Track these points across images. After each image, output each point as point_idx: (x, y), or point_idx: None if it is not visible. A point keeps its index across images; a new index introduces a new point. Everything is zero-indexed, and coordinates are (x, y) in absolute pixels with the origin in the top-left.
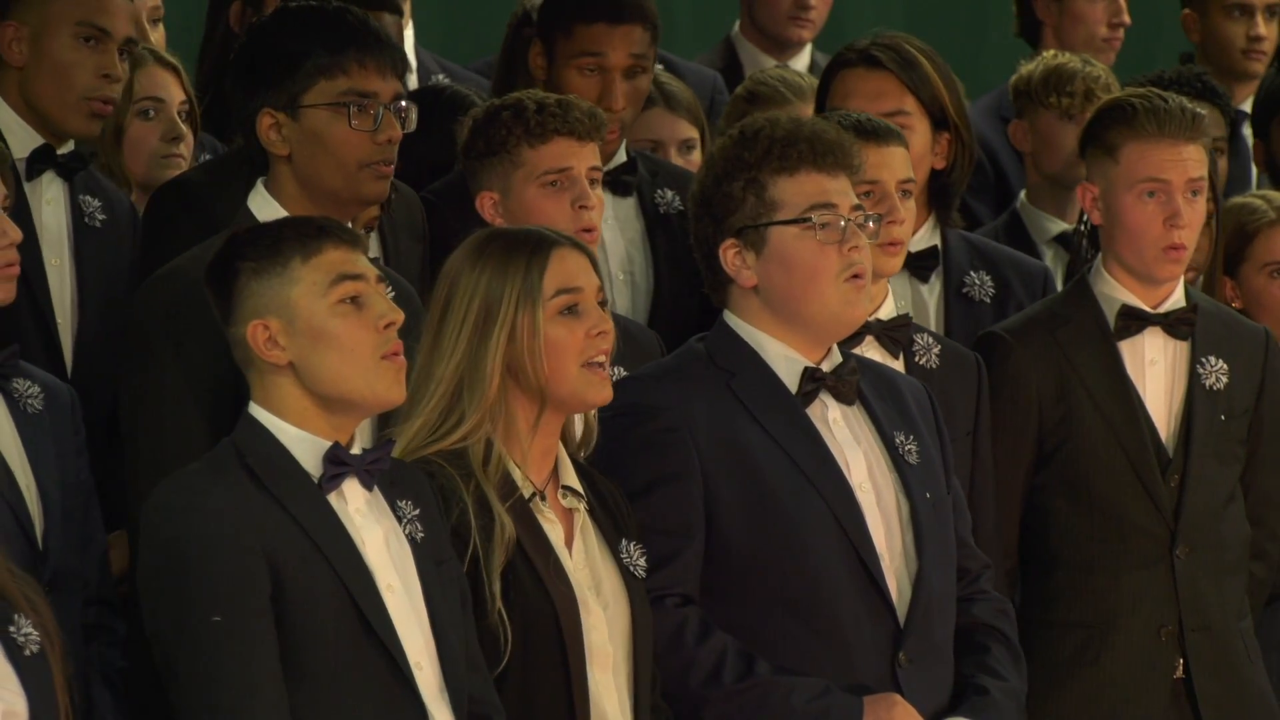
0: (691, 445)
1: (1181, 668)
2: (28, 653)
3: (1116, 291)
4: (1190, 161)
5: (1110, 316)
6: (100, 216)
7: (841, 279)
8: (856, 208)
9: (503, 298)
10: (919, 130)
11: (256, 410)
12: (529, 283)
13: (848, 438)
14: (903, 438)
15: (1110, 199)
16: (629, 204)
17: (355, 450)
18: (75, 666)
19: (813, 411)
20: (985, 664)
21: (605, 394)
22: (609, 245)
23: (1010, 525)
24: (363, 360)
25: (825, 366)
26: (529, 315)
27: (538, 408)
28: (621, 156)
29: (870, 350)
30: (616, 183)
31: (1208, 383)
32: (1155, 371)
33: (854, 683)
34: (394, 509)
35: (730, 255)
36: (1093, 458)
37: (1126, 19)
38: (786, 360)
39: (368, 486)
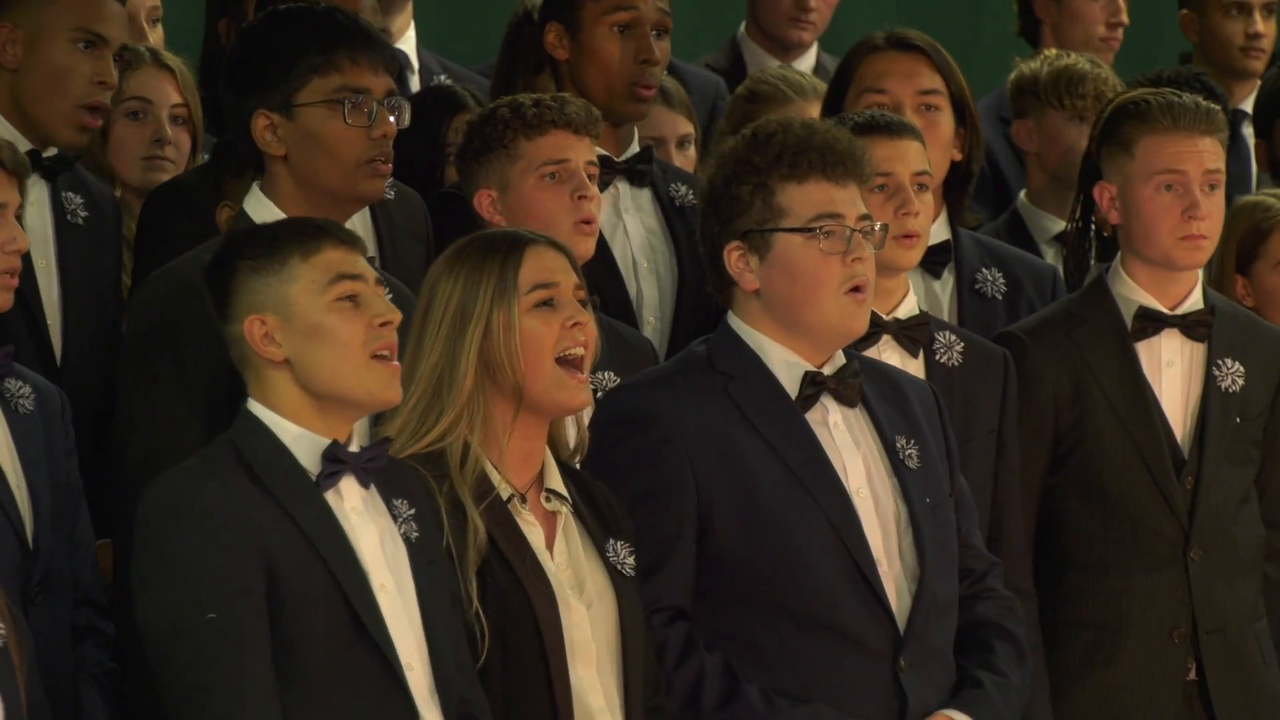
0: (684, 455)
1: (1194, 670)
2: None
3: (1134, 293)
4: (1206, 154)
5: (1128, 317)
6: (83, 213)
7: (842, 291)
8: (864, 218)
9: (478, 296)
10: (947, 114)
11: (254, 406)
12: (504, 279)
13: (847, 442)
14: (904, 441)
15: (1127, 195)
16: (646, 195)
17: (353, 448)
18: (64, 668)
19: (813, 416)
20: (985, 660)
21: (580, 398)
22: (631, 234)
23: (1026, 525)
24: (355, 356)
25: (827, 369)
26: (504, 310)
27: (514, 408)
28: (635, 146)
29: (888, 349)
30: (633, 173)
31: (1223, 385)
32: (1172, 373)
33: (855, 689)
34: (390, 508)
35: (734, 258)
36: (1107, 459)
37: (1124, 18)
38: (787, 364)
39: (364, 484)
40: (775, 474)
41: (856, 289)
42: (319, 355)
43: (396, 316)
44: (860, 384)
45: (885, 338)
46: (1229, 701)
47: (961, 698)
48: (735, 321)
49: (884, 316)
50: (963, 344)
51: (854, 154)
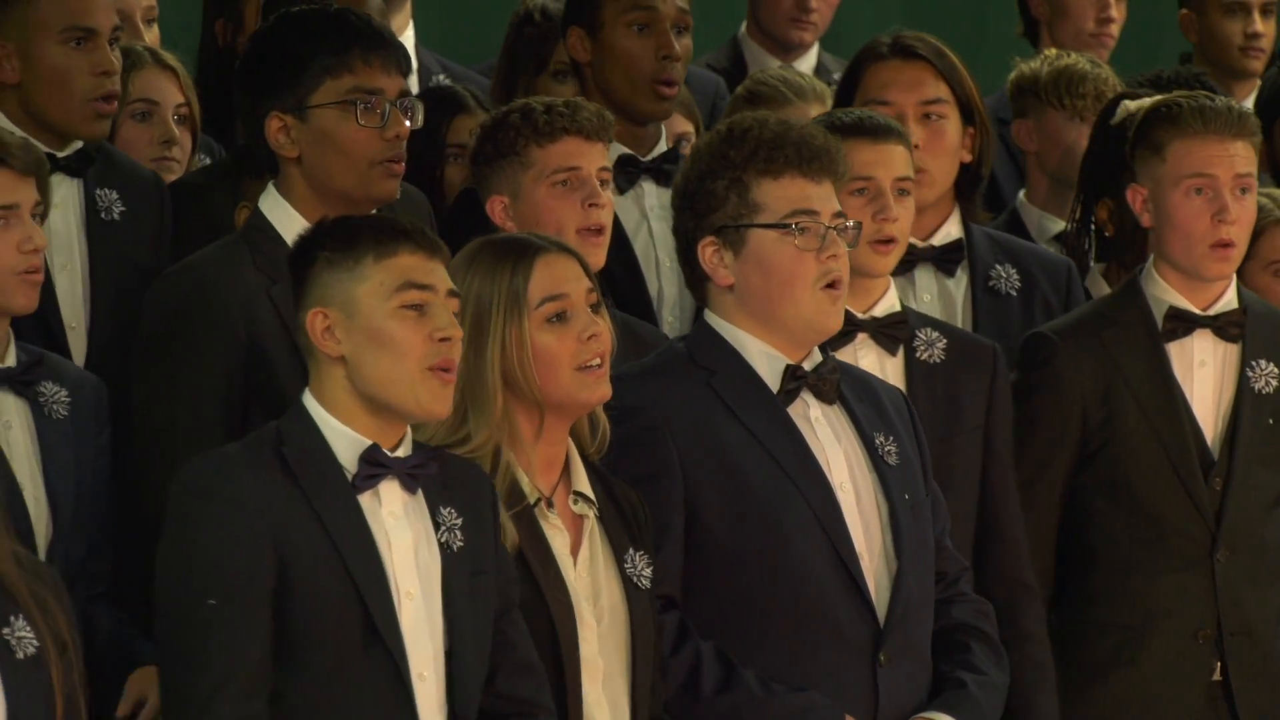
0: (671, 443)
1: (1219, 671)
2: (20, 655)
3: (1166, 293)
4: (1237, 158)
5: (1159, 318)
6: (120, 208)
7: (817, 287)
8: (838, 215)
9: (491, 309)
10: (953, 120)
11: (308, 400)
12: (514, 293)
13: (829, 436)
14: (882, 438)
15: (1159, 198)
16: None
17: (402, 453)
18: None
19: (794, 410)
20: (965, 661)
21: (602, 391)
22: (656, 234)
23: (1048, 525)
24: (409, 367)
25: (806, 365)
26: (516, 326)
27: (539, 416)
28: (662, 145)
29: (865, 348)
30: (659, 172)
31: (1256, 386)
32: (1204, 374)
33: (834, 681)
34: (435, 515)
35: (708, 253)
36: (1135, 459)
37: (1114, 14)
38: (767, 358)
39: (410, 490)
40: (760, 465)
41: (831, 285)
42: (374, 359)
43: (458, 333)
44: (838, 380)
45: (862, 336)
46: (1253, 703)
47: (945, 698)
48: (712, 318)
49: (860, 315)
50: (945, 340)
51: (829, 151)
